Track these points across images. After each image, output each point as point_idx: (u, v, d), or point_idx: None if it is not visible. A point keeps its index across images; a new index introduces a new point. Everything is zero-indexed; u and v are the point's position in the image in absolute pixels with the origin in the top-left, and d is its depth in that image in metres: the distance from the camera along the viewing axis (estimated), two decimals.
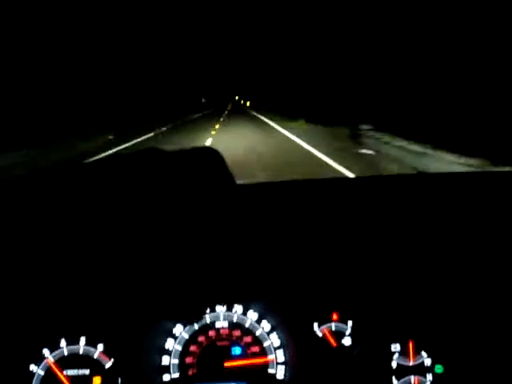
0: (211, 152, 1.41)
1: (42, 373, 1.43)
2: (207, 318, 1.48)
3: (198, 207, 1.39)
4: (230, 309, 1.48)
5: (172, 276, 1.43)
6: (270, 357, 1.47)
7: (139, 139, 22.94)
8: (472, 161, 11.27)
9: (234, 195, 1.45)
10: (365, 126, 19.56)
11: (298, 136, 18.57)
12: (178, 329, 1.47)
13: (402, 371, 1.47)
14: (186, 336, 1.47)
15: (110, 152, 16.66)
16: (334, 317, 1.47)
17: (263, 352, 1.47)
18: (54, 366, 1.43)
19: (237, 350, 1.46)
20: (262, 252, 1.44)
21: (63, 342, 1.45)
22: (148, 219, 1.39)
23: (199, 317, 1.46)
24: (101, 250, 1.42)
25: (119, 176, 1.36)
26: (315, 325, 1.46)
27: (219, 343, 1.47)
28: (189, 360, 1.46)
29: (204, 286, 1.45)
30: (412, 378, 1.47)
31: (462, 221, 1.50)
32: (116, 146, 19.10)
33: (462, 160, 11.57)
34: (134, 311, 1.42)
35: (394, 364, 1.47)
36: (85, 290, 1.43)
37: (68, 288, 1.43)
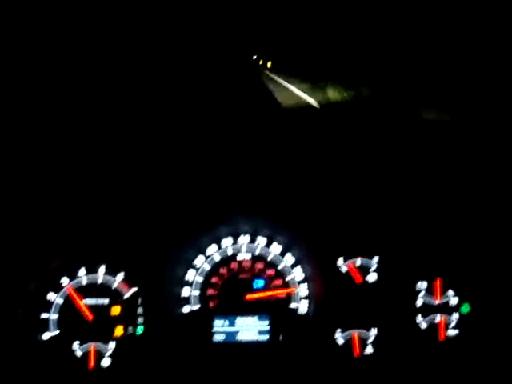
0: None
1: (60, 301, 1.41)
2: (229, 249, 1.44)
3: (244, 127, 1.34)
4: (253, 240, 1.44)
5: (194, 196, 1.38)
6: (293, 290, 1.43)
7: None
8: None
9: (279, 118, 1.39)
10: None
11: None
12: (200, 260, 1.44)
13: (428, 310, 1.43)
14: (208, 267, 1.43)
15: None
16: (360, 252, 1.43)
17: (286, 285, 1.44)
18: (73, 294, 1.40)
19: (259, 283, 1.43)
20: (292, 180, 1.39)
21: (82, 271, 1.42)
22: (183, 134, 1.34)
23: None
24: (121, 171, 1.38)
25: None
26: (340, 259, 1.42)
27: (241, 275, 1.44)
28: (210, 292, 1.43)
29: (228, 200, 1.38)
30: (438, 316, 1.43)
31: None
32: None
33: None
34: (156, 237, 1.38)
35: (419, 302, 1.43)
36: (104, 215, 1.39)
37: (87, 214, 1.39)
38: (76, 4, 1.30)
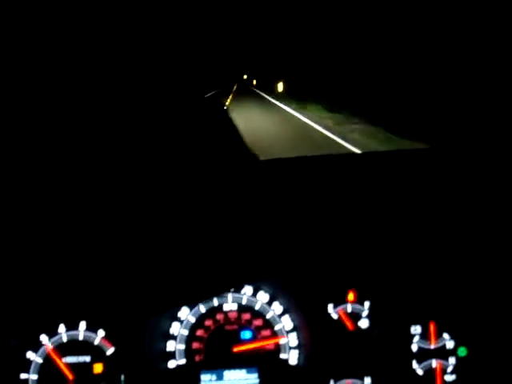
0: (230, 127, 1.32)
1: (40, 360, 1.35)
2: (215, 301, 1.39)
3: (218, 183, 1.29)
4: (238, 290, 1.39)
5: (178, 256, 1.34)
6: (282, 341, 1.38)
7: None
8: None
9: (256, 171, 1.35)
10: None
11: None
12: (184, 312, 1.38)
13: (423, 355, 1.37)
14: (193, 320, 1.38)
15: None
16: (350, 297, 1.38)
17: (274, 336, 1.38)
18: (52, 353, 1.35)
19: (246, 334, 1.38)
20: (273, 229, 1.35)
21: (62, 328, 1.36)
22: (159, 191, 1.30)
23: (207, 299, 1.36)
24: (102, 229, 1.33)
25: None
26: (330, 306, 1.37)
27: (228, 327, 1.38)
28: (196, 345, 1.37)
29: (213, 267, 1.35)
30: (434, 361, 1.37)
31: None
32: None
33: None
34: (137, 294, 1.33)
35: (414, 347, 1.38)
36: (84, 273, 1.34)
37: (66, 270, 1.34)
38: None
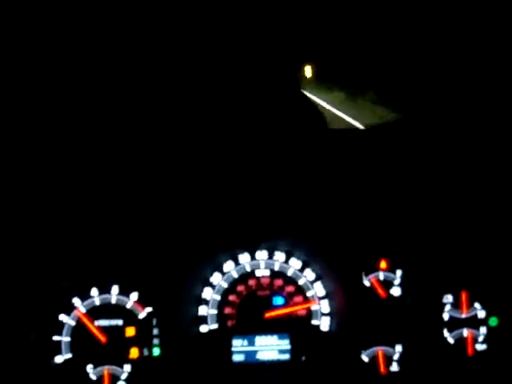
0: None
1: (72, 323, 1.36)
2: (247, 266, 1.39)
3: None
4: (271, 256, 1.39)
5: (213, 212, 1.32)
6: (314, 307, 1.38)
7: None
8: None
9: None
10: None
11: None
12: (216, 277, 1.38)
13: (454, 324, 1.37)
14: (225, 285, 1.38)
15: None
16: (383, 265, 1.38)
17: (307, 302, 1.38)
18: (83, 317, 1.35)
19: (278, 300, 1.38)
20: (311, 195, 1.33)
21: (95, 291, 1.36)
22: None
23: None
24: (137, 190, 1.32)
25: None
26: (362, 274, 1.37)
27: (260, 293, 1.38)
28: (228, 310, 1.38)
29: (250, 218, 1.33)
30: (465, 330, 1.37)
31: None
32: None
33: None
34: (171, 255, 1.32)
35: (445, 316, 1.38)
36: (116, 233, 1.34)
37: (99, 234, 1.34)
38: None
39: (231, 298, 1.38)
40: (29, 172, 1.32)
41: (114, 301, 1.37)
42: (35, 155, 1.33)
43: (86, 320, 1.36)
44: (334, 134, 1.43)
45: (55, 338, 1.34)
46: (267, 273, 1.39)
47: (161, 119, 1.33)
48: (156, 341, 1.36)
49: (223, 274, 1.38)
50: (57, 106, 1.34)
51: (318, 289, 1.38)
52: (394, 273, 1.38)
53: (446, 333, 1.37)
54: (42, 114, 1.33)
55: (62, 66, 1.31)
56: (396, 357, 1.36)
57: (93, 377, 1.33)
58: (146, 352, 1.36)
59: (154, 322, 1.36)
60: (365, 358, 1.36)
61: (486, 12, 1.29)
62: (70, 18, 1.26)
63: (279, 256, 1.39)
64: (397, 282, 1.38)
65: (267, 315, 1.36)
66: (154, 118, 1.33)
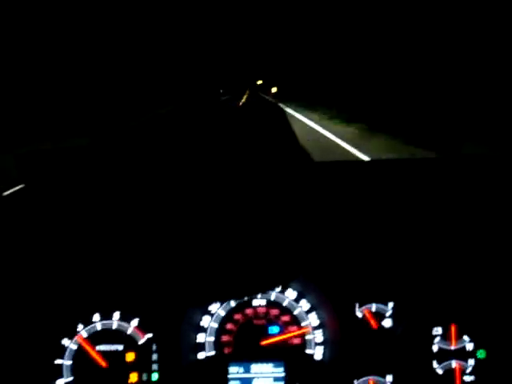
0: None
1: (74, 347, 1.40)
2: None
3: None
4: (283, 291, 1.44)
5: (213, 254, 1.39)
6: (308, 336, 1.43)
7: None
8: None
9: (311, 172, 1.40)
10: None
11: None
12: (215, 306, 1.43)
13: (444, 355, 1.42)
14: (223, 313, 1.43)
15: None
16: (375, 298, 1.43)
17: (300, 329, 1.43)
18: (84, 343, 1.40)
19: (274, 329, 1.43)
20: (304, 226, 1.40)
21: (96, 317, 1.41)
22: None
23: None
24: (141, 221, 1.38)
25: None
26: (356, 305, 1.42)
27: (256, 322, 1.43)
28: (225, 338, 1.42)
29: (250, 266, 1.39)
30: (453, 362, 1.42)
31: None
32: None
33: None
34: (171, 286, 1.38)
35: (435, 348, 1.43)
36: (120, 264, 1.39)
37: (103, 262, 1.40)
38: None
39: (228, 326, 1.43)
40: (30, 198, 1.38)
41: (115, 326, 1.42)
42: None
43: (86, 345, 1.40)
44: (322, 167, 1.49)
45: (57, 361, 1.39)
46: (263, 302, 1.44)
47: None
48: (155, 366, 1.40)
49: (221, 303, 1.43)
50: None
51: (313, 319, 1.43)
52: (386, 305, 1.43)
53: (435, 364, 1.42)
54: None
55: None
56: None
57: None
58: (145, 377, 1.40)
59: (154, 347, 1.40)
60: None
61: None
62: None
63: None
64: (388, 313, 1.42)
65: (263, 343, 1.41)
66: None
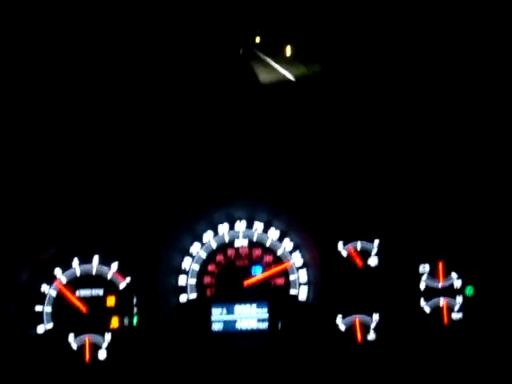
0: None
1: (54, 293, 1.37)
2: (226, 236, 1.40)
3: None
4: (250, 226, 1.41)
5: (185, 178, 1.33)
6: (292, 277, 1.40)
7: None
8: None
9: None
10: None
11: None
12: (196, 247, 1.40)
13: (431, 293, 1.39)
14: (204, 255, 1.40)
15: None
16: (360, 235, 1.39)
17: (285, 271, 1.40)
18: (63, 288, 1.37)
19: (257, 270, 1.39)
20: (289, 164, 1.35)
21: (75, 262, 1.38)
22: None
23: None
24: (111, 160, 1.34)
25: None
26: (340, 244, 1.38)
27: (238, 262, 1.40)
28: (207, 280, 1.39)
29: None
30: (441, 299, 1.39)
31: None
32: None
33: None
34: (150, 224, 1.33)
35: (422, 285, 1.39)
36: (96, 204, 1.35)
37: (79, 204, 1.35)
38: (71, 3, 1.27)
39: (210, 267, 1.40)
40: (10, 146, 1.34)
41: (94, 271, 1.39)
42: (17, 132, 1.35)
43: (66, 291, 1.37)
44: None
45: (37, 308, 1.36)
46: (246, 243, 1.41)
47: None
48: (136, 310, 1.37)
49: (202, 244, 1.40)
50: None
51: (296, 259, 1.40)
52: (372, 242, 1.39)
53: (422, 302, 1.39)
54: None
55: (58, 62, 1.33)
56: (373, 325, 1.38)
57: (74, 346, 1.35)
58: (126, 321, 1.37)
59: (134, 291, 1.37)
60: (342, 327, 1.37)
61: None
62: (69, 19, 1.27)
63: (258, 226, 1.41)
64: (374, 251, 1.39)
65: (246, 283, 1.38)
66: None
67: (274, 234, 1.40)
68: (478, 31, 1.27)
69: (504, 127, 1.37)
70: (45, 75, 1.31)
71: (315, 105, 1.42)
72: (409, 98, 1.39)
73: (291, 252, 1.40)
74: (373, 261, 1.39)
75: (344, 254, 1.39)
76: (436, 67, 1.35)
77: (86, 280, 1.38)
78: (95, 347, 1.36)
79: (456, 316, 1.40)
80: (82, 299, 1.38)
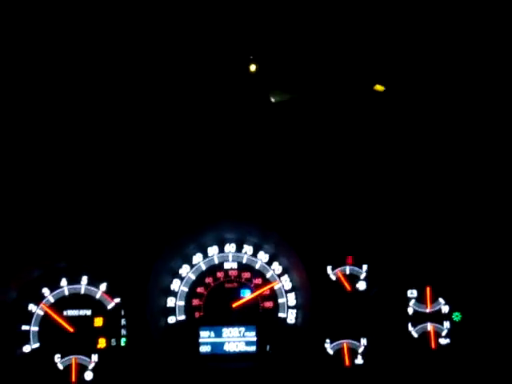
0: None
1: (41, 313, 1.36)
2: (215, 258, 1.40)
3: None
4: (239, 249, 1.41)
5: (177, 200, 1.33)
6: (281, 300, 1.40)
7: None
8: None
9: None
10: None
11: None
12: (185, 269, 1.40)
13: (419, 318, 1.40)
14: (193, 277, 1.40)
15: None
16: (349, 260, 1.40)
17: (273, 295, 1.40)
18: (52, 307, 1.36)
19: (246, 292, 1.39)
20: (280, 187, 1.35)
21: (64, 282, 1.37)
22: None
23: None
24: (101, 181, 1.34)
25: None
26: (329, 268, 1.39)
27: (227, 285, 1.40)
28: (195, 302, 1.39)
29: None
30: (429, 325, 1.40)
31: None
32: None
33: None
34: (140, 246, 1.33)
35: (410, 310, 1.40)
36: (86, 225, 1.35)
37: (69, 224, 1.35)
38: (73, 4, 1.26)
39: (199, 289, 1.39)
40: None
41: (83, 291, 1.38)
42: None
43: (52, 312, 1.36)
44: None
45: (24, 327, 1.35)
46: (235, 265, 1.41)
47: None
48: (124, 331, 1.37)
49: (192, 265, 1.40)
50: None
51: (285, 282, 1.40)
52: (360, 267, 1.40)
53: (410, 327, 1.39)
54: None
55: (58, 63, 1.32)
56: (361, 350, 1.38)
57: (60, 366, 1.34)
58: (113, 342, 1.37)
59: (122, 312, 1.37)
60: (330, 351, 1.38)
61: None
62: (69, 18, 1.27)
63: (247, 249, 1.41)
64: (362, 276, 1.40)
65: (234, 305, 1.38)
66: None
67: (263, 257, 1.41)
68: (462, 37, 1.26)
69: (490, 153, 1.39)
70: (59, 82, 1.30)
71: (303, 127, 1.43)
72: (394, 125, 1.40)
73: (280, 275, 1.41)
74: (361, 285, 1.40)
75: (333, 277, 1.39)
76: (419, 84, 1.34)
77: (74, 300, 1.38)
78: (82, 367, 1.35)
79: (443, 341, 1.40)
80: (70, 319, 1.37)
